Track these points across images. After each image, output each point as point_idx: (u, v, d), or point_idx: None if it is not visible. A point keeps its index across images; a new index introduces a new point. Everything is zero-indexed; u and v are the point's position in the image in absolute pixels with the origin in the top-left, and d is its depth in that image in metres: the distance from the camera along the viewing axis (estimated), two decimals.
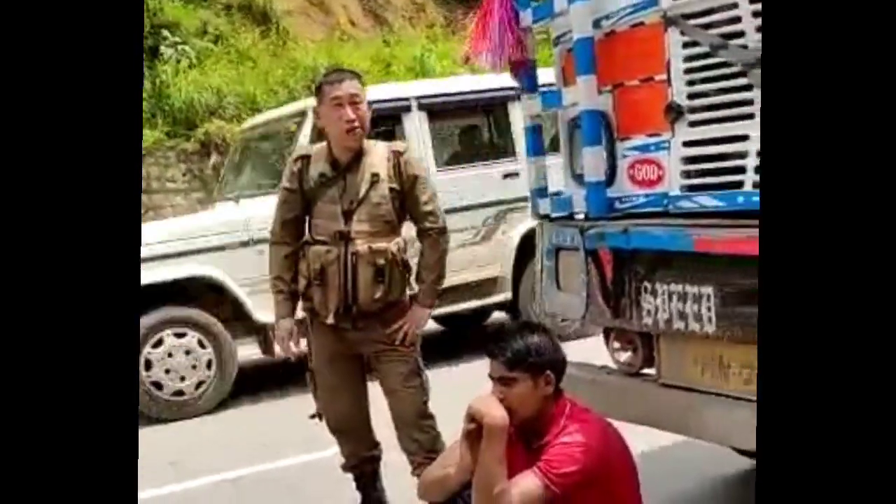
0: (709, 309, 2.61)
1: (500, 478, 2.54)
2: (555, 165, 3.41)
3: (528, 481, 2.56)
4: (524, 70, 3.32)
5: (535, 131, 3.42)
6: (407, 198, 3.44)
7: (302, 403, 3.75)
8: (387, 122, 6.01)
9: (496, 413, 2.57)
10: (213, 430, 5.45)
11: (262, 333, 6.05)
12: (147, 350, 5.66)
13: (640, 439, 3.35)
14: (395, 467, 3.59)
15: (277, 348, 3.62)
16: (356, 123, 3.37)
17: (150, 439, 5.34)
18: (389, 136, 5.77)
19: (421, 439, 3.40)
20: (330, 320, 3.39)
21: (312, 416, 3.61)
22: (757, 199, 2.49)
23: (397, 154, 3.46)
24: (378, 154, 3.45)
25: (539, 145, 3.43)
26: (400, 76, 11.77)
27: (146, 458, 4.90)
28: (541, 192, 3.35)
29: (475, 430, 2.59)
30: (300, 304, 3.53)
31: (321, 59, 12.00)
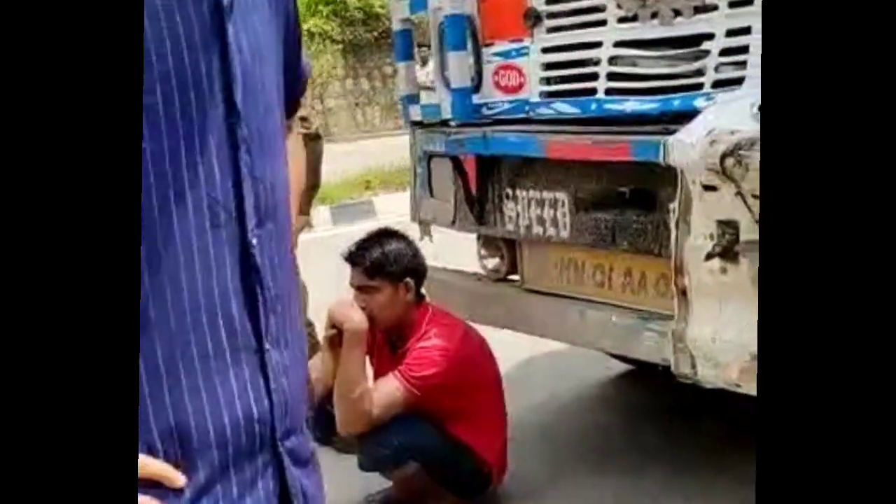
0: (563, 215, 2.65)
1: (360, 381, 2.59)
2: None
3: (389, 384, 2.62)
4: None
5: (404, 36, 3.36)
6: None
7: None
8: None
9: (355, 317, 2.61)
10: None
11: None
12: None
13: (524, 348, 3.45)
14: None
15: None
16: None
17: None
18: None
19: None
20: None
21: None
22: (608, 105, 2.52)
23: None
24: None
25: (409, 50, 3.38)
26: None
27: None
28: (410, 98, 3.32)
29: (336, 336, 2.63)
30: None
31: None
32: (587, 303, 2.69)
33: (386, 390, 2.61)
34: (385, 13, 15.49)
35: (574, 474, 3.05)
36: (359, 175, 9.74)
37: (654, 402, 3.59)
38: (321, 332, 2.85)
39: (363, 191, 9.54)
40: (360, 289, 2.71)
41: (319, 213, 7.27)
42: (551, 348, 3.86)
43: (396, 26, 3.30)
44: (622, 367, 3.90)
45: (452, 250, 3.54)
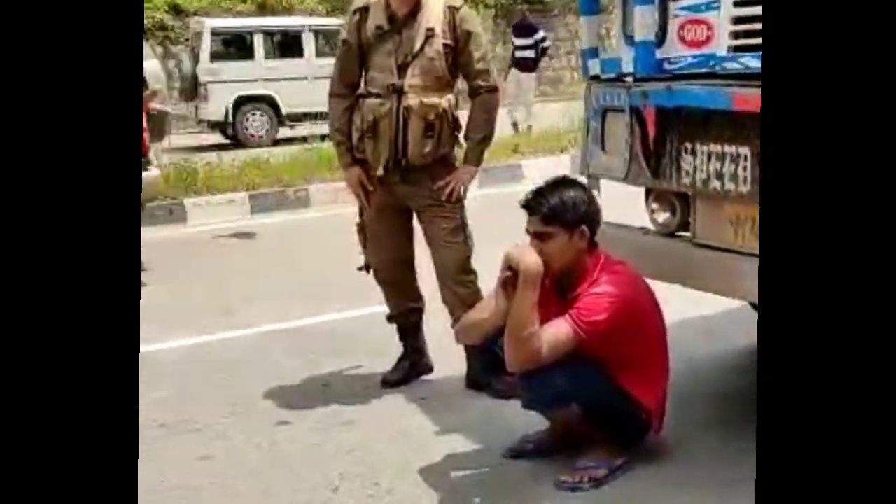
0: (745, 169, 2.64)
1: (531, 322, 2.66)
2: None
3: (558, 326, 2.69)
4: None
5: None
6: (460, 54, 3.46)
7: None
8: None
9: (530, 261, 2.68)
10: (261, 284, 5.64)
11: None
12: None
13: (676, 305, 3.45)
14: (439, 322, 3.74)
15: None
16: None
17: (204, 287, 5.61)
18: None
19: (462, 293, 3.51)
20: (380, 172, 3.48)
21: (360, 269, 3.75)
22: None
23: (453, 9, 3.47)
24: (435, 8, 3.46)
25: (594, 4, 3.40)
26: None
27: (200, 305, 5.11)
28: (592, 52, 3.35)
29: (511, 278, 2.70)
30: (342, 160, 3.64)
31: None
32: None
33: (555, 332, 2.67)
34: None
35: (722, 430, 3.04)
36: (507, 139, 9.79)
37: None
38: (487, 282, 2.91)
39: (511, 154, 9.59)
40: (535, 235, 2.77)
41: None
42: (694, 311, 3.87)
43: None
44: None
45: (616, 205, 3.57)
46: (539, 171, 8.99)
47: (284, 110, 13.51)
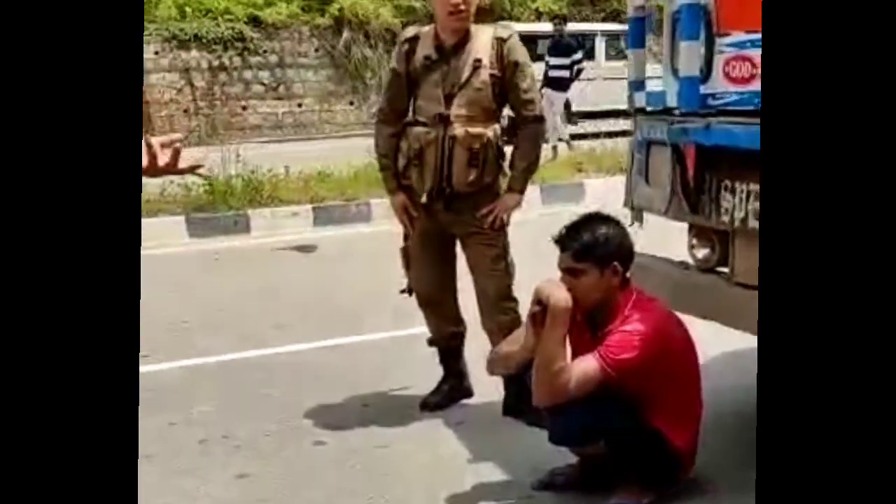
0: None
1: (560, 357, 2.66)
2: None
3: (587, 362, 2.67)
4: None
5: (637, 23, 3.38)
6: (507, 84, 3.48)
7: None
8: None
9: (560, 296, 2.67)
10: (310, 300, 5.71)
11: None
12: None
13: (714, 339, 3.39)
14: (479, 346, 3.75)
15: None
16: (461, 6, 3.41)
17: (254, 308, 5.70)
18: None
19: (502, 320, 3.52)
20: (424, 199, 3.52)
21: (402, 292, 3.79)
22: None
23: (500, 40, 3.49)
24: (483, 39, 3.48)
25: (641, 38, 3.39)
26: None
27: (254, 323, 5.16)
28: (638, 84, 3.34)
29: (540, 313, 2.70)
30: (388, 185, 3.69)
31: None
32: None
33: (584, 368, 2.66)
34: None
35: (752, 473, 2.97)
36: (570, 157, 9.77)
37: None
38: (524, 309, 2.93)
39: (574, 173, 9.55)
40: (567, 271, 2.76)
41: (529, 192, 7.38)
42: (731, 345, 3.78)
43: (631, 13, 3.32)
44: None
45: (661, 238, 3.53)
46: (603, 189, 8.99)
47: (573, 108, 13.85)
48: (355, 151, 9.70)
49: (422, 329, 3.92)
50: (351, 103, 16.87)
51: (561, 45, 12.13)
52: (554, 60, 11.98)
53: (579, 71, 12.24)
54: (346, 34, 13.90)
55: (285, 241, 7.73)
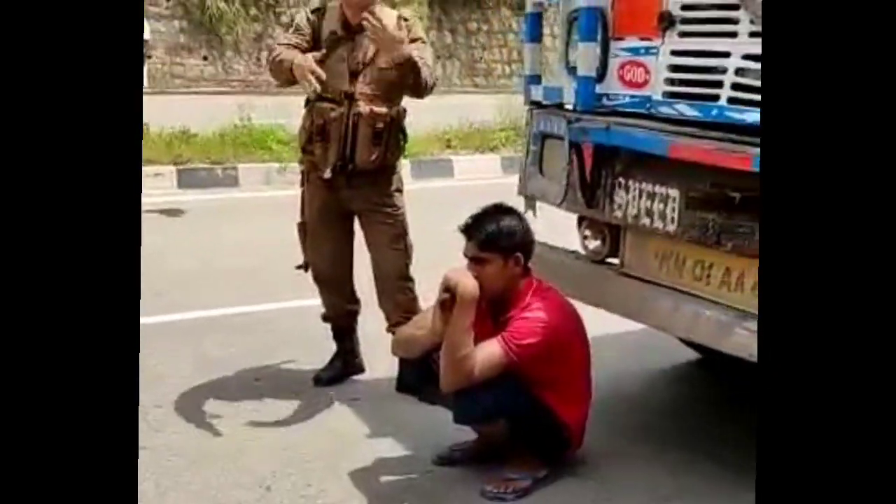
0: (673, 210, 2.83)
1: (466, 343, 2.81)
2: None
3: (491, 348, 2.84)
4: None
5: (535, 18, 3.52)
6: None
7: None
8: None
9: (469, 284, 2.82)
10: (188, 267, 5.65)
11: None
12: None
13: (602, 324, 3.62)
14: (372, 324, 3.86)
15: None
16: None
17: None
18: None
19: (400, 299, 3.64)
20: (327, 175, 3.56)
21: (298, 267, 3.84)
22: (729, 113, 2.67)
23: (404, 20, 3.56)
24: (387, 19, 3.53)
25: (537, 32, 3.54)
26: None
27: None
28: (534, 79, 3.49)
29: (448, 300, 2.84)
30: (299, 157, 3.72)
31: None
32: (683, 294, 2.87)
33: (489, 353, 2.82)
34: None
35: (638, 448, 3.24)
36: (438, 132, 9.86)
37: (715, 392, 3.78)
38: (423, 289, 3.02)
39: (443, 148, 9.68)
40: (472, 259, 2.91)
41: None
42: (619, 329, 4.02)
43: (529, 8, 3.45)
44: (685, 356, 4.08)
45: (552, 227, 3.72)
46: (471, 166, 9.19)
47: None
48: (218, 111, 9.49)
49: (312, 301, 3.97)
50: (205, 58, 16.34)
51: None
52: None
53: None
54: None
55: (151, 203, 7.51)
